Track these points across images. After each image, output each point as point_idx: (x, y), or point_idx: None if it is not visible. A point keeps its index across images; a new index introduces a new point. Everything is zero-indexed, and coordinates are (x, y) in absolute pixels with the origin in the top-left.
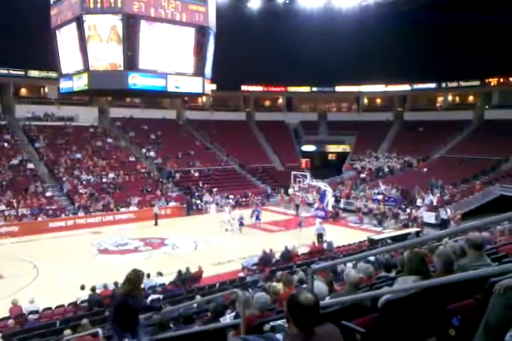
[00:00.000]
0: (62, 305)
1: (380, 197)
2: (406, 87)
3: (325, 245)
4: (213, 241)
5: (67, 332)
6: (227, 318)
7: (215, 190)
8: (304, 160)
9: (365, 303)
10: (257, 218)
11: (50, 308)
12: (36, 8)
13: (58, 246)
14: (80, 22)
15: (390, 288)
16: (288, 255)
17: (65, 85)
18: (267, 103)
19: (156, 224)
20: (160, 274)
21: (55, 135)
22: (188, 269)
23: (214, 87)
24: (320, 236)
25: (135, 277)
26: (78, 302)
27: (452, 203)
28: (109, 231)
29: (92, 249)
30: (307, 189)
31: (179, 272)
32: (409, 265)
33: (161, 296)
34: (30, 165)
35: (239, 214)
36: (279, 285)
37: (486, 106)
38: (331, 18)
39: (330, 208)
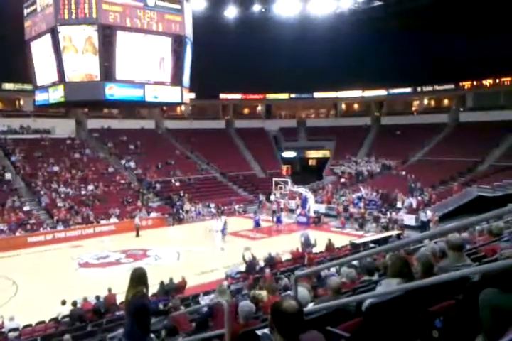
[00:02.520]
0: (43, 322)
1: (360, 202)
2: (382, 92)
3: (302, 239)
4: (196, 251)
5: None
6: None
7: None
8: (284, 167)
9: (349, 308)
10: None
11: (30, 325)
12: (9, 20)
13: (38, 261)
14: (54, 33)
15: (372, 292)
16: (271, 262)
17: (40, 97)
18: (246, 111)
19: (137, 235)
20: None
21: (32, 148)
22: (171, 280)
23: (192, 95)
24: (303, 241)
25: (143, 275)
26: (59, 317)
27: (431, 205)
28: (90, 245)
29: (73, 263)
30: (289, 195)
31: (161, 283)
32: (392, 268)
33: None
34: (7, 179)
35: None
36: (263, 293)
37: (461, 109)
38: (306, 25)
39: (312, 214)
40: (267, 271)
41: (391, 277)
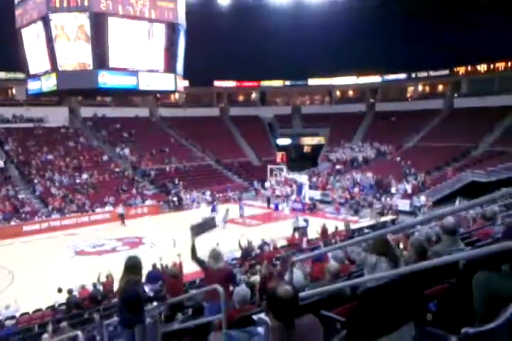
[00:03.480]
0: (40, 309)
1: (355, 187)
2: (377, 79)
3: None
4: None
5: (46, 336)
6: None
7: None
8: (279, 154)
9: (344, 292)
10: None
11: (27, 313)
12: (0, 8)
13: (33, 250)
14: (46, 21)
15: (367, 277)
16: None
17: (33, 86)
18: (241, 98)
19: (122, 223)
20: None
21: (25, 137)
22: (166, 266)
23: (186, 83)
24: (295, 229)
25: (137, 264)
26: (56, 305)
27: (426, 190)
28: (85, 233)
29: (69, 251)
30: (284, 182)
31: (154, 266)
32: (373, 247)
33: None
34: (1, 168)
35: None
36: (256, 278)
37: (455, 95)
38: (301, 12)
39: (307, 200)
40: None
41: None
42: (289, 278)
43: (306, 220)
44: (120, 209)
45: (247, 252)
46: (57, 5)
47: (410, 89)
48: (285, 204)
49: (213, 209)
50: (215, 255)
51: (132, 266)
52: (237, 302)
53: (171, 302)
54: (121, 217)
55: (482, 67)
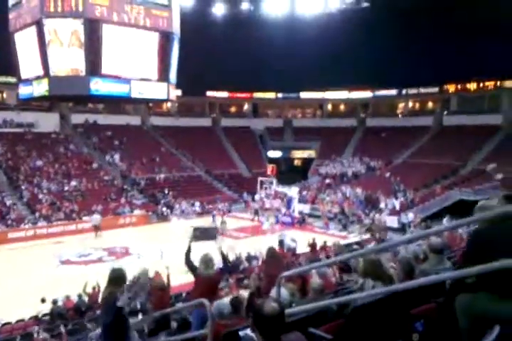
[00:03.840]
0: (23, 320)
1: (344, 201)
2: (368, 94)
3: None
4: (180, 249)
5: None
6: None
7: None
8: (270, 166)
9: (331, 308)
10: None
11: (9, 323)
12: None
13: (18, 258)
14: (39, 26)
15: (354, 295)
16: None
17: (24, 91)
18: (233, 109)
19: (96, 235)
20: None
21: (15, 142)
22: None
23: (179, 92)
24: (281, 242)
25: (121, 276)
26: (39, 315)
27: (414, 207)
28: (72, 241)
29: (54, 260)
30: (274, 195)
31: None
32: (364, 270)
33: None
34: None
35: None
36: (245, 293)
37: (445, 112)
38: (295, 25)
39: (296, 214)
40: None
41: (366, 278)
42: (276, 295)
43: (294, 240)
44: (95, 220)
45: (234, 266)
46: (52, 10)
47: (401, 105)
48: (270, 220)
49: (213, 220)
50: (207, 260)
51: (115, 278)
52: (215, 316)
53: (157, 316)
54: (96, 228)
55: (472, 86)
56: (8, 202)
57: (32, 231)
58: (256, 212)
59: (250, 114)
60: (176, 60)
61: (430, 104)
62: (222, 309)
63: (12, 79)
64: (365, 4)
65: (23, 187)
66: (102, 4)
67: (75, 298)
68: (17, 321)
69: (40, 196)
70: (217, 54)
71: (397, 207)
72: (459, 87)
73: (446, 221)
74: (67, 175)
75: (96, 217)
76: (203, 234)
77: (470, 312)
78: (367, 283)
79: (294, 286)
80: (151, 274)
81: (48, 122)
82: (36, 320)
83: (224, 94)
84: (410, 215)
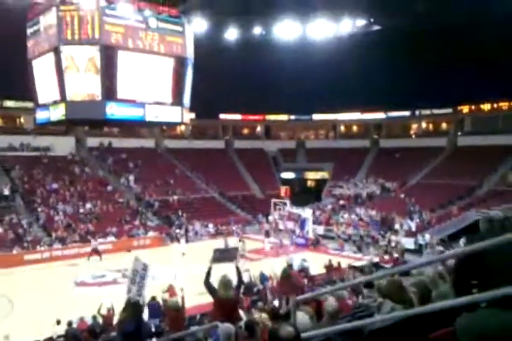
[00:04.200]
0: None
1: (360, 222)
2: (381, 115)
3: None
4: (194, 271)
5: None
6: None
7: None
8: (283, 188)
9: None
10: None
11: None
12: (12, 39)
13: (34, 280)
14: (57, 53)
15: (370, 319)
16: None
17: (41, 115)
18: (246, 131)
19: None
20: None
21: (31, 165)
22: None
23: (193, 115)
24: (290, 266)
25: (137, 305)
26: (54, 337)
27: (430, 228)
28: (87, 263)
29: (69, 282)
30: (287, 216)
31: (153, 298)
32: (387, 292)
33: None
34: (5, 196)
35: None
36: (264, 315)
37: (459, 133)
38: (306, 48)
39: (311, 235)
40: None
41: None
42: (292, 319)
43: (305, 260)
44: (95, 245)
45: (249, 287)
46: (69, 37)
47: (414, 126)
48: (271, 242)
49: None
50: (225, 282)
51: (133, 305)
52: (221, 287)
53: (172, 338)
54: (97, 252)
55: (486, 106)
56: (25, 225)
57: (48, 253)
58: (267, 233)
59: (263, 136)
60: (190, 84)
61: (444, 125)
62: (229, 332)
63: (29, 104)
64: (376, 27)
65: (39, 210)
66: (117, 31)
67: (89, 320)
68: None
69: (56, 218)
70: (230, 77)
71: (413, 228)
72: (473, 107)
73: (462, 242)
74: (83, 197)
75: (94, 243)
76: (223, 256)
77: (470, 334)
78: (386, 303)
79: (310, 309)
80: (166, 295)
81: (63, 146)
82: None
83: (237, 117)
84: (427, 236)
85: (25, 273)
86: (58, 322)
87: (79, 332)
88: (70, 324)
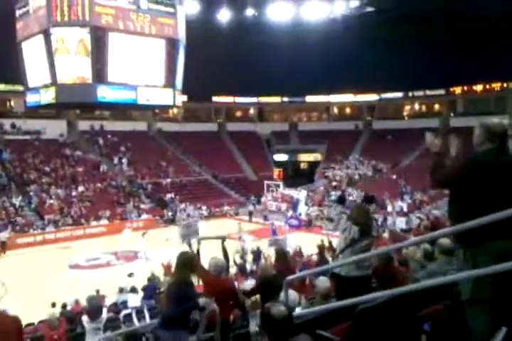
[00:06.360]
0: (33, 324)
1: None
2: (374, 97)
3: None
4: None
5: None
6: None
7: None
8: (276, 170)
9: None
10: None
11: (32, 324)
12: (1, 20)
13: (28, 263)
14: (47, 35)
15: (361, 297)
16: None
17: (31, 99)
18: (239, 114)
19: (3, 252)
20: (133, 290)
21: (23, 149)
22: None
23: (185, 98)
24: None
25: (188, 260)
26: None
27: (422, 208)
28: (80, 246)
29: (63, 265)
30: (280, 198)
31: (150, 279)
32: (351, 215)
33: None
34: None
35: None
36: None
37: (451, 114)
38: (299, 29)
39: (303, 216)
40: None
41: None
42: (283, 298)
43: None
44: (3, 236)
45: (241, 268)
46: (59, 19)
47: (407, 107)
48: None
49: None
50: (218, 269)
51: (183, 262)
52: (213, 270)
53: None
54: (3, 246)
55: (478, 87)
56: (17, 208)
57: (40, 237)
58: (250, 214)
59: (256, 119)
60: (182, 66)
61: (436, 106)
62: (221, 266)
63: (20, 88)
64: (370, 9)
65: (31, 193)
66: (108, 13)
67: (83, 302)
68: (26, 325)
69: (48, 202)
70: (223, 59)
71: (405, 209)
72: (466, 88)
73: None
74: (75, 180)
75: (4, 233)
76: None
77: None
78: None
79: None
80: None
81: (55, 129)
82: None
83: (229, 99)
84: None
85: (19, 256)
86: (53, 305)
87: (73, 314)
88: (64, 306)
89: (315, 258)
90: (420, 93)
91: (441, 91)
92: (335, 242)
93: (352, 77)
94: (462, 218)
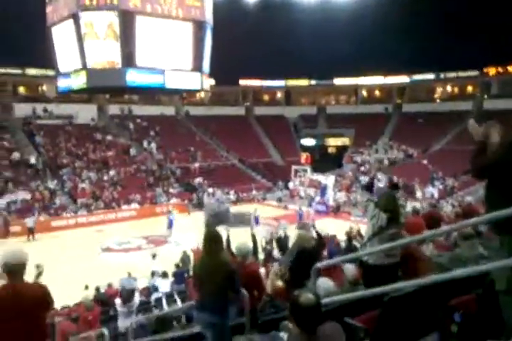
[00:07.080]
0: (68, 306)
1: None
2: (405, 79)
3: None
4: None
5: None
6: None
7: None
8: (304, 154)
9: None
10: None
11: (54, 309)
12: (32, 6)
13: (61, 246)
14: (76, 19)
15: (389, 286)
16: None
17: (63, 84)
18: (266, 97)
19: (31, 239)
20: (165, 275)
21: (55, 133)
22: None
23: (212, 82)
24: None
25: (217, 235)
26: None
27: (453, 195)
28: (112, 230)
29: (95, 248)
30: (308, 183)
31: (178, 266)
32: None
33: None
34: (31, 164)
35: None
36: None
37: (485, 96)
38: (328, 10)
39: (331, 202)
40: None
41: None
42: (312, 286)
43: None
44: (30, 222)
45: (268, 254)
46: (87, 3)
47: (439, 89)
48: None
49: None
50: (244, 255)
51: (213, 239)
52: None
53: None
54: (30, 231)
55: None
56: (51, 192)
57: (73, 220)
58: (279, 200)
59: (283, 102)
60: (209, 49)
61: (470, 88)
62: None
63: (51, 72)
64: None
65: (64, 178)
66: None
67: (116, 285)
68: (61, 308)
69: (81, 186)
70: (250, 42)
71: (436, 195)
72: (500, 69)
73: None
74: (106, 164)
75: (31, 220)
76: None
77: None
78: (370, 206)
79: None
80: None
81: (86, 113)
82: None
83: (257, 82)
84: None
85: (53, 239)
86: (86, 287)
87: (107, 297)
88: (97, 289)
89: (343, 245)
90: (452, 74)
91: (475, 73)
92: (363, 229)
93: (382, 58)
94: (501, 203)
